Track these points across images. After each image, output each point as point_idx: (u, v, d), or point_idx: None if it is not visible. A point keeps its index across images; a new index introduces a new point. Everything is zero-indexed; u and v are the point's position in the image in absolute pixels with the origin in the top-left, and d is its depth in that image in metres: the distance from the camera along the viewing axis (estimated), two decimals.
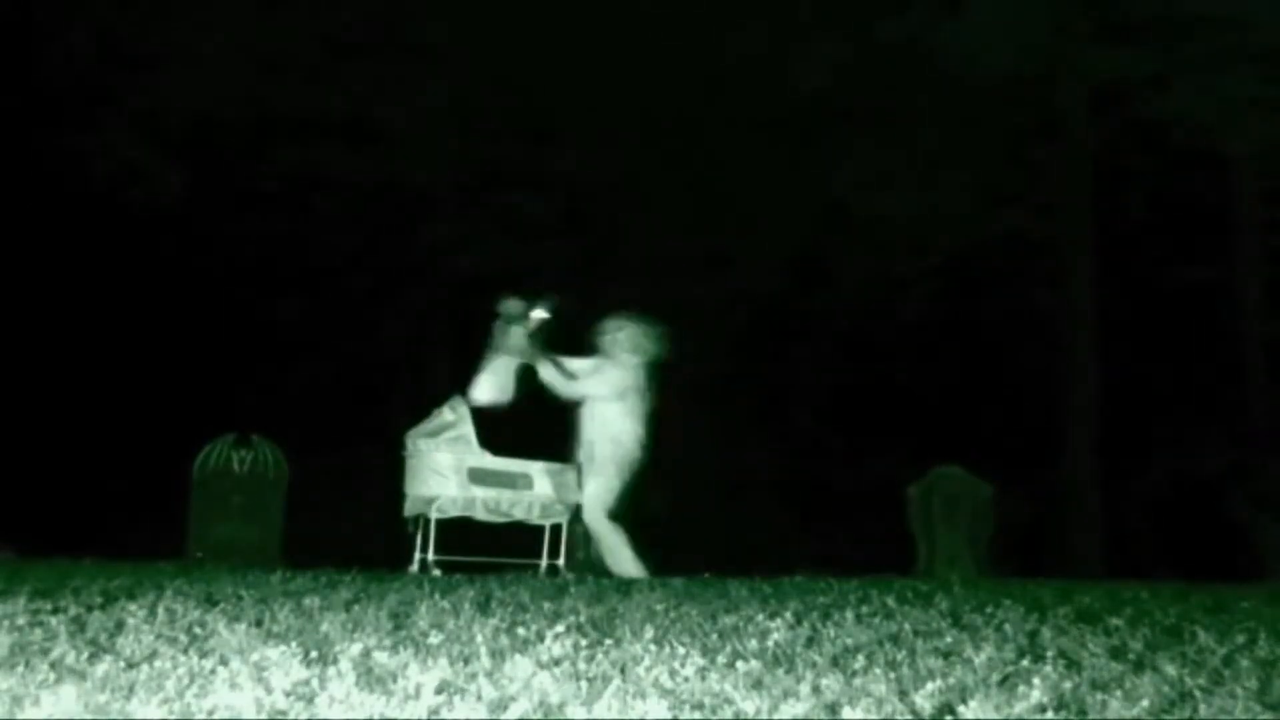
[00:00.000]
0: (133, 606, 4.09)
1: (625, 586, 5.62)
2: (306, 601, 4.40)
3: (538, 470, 8.10)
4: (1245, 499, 16.10)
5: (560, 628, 3.71)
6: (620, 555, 8.01)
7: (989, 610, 4.57)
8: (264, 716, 2.48)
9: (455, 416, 8.07)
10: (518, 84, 17.70)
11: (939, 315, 18.69)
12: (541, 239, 18.35)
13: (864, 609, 4.56)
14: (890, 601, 4.86)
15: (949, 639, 3.73)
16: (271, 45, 17.23)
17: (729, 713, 2.60)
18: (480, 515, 7.98)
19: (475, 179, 18.35)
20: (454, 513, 7.91)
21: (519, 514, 8.00)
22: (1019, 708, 2.70)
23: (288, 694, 2.63)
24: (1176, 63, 15.87)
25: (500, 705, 2.57)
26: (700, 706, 2.62)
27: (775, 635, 3.71)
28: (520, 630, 3.68)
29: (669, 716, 2.55)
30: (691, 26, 17.47)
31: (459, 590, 4.99)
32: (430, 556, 7.71)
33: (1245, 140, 16.17)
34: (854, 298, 18.75)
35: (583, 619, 4.03)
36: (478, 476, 7.97)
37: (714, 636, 3.70)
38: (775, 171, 18.07)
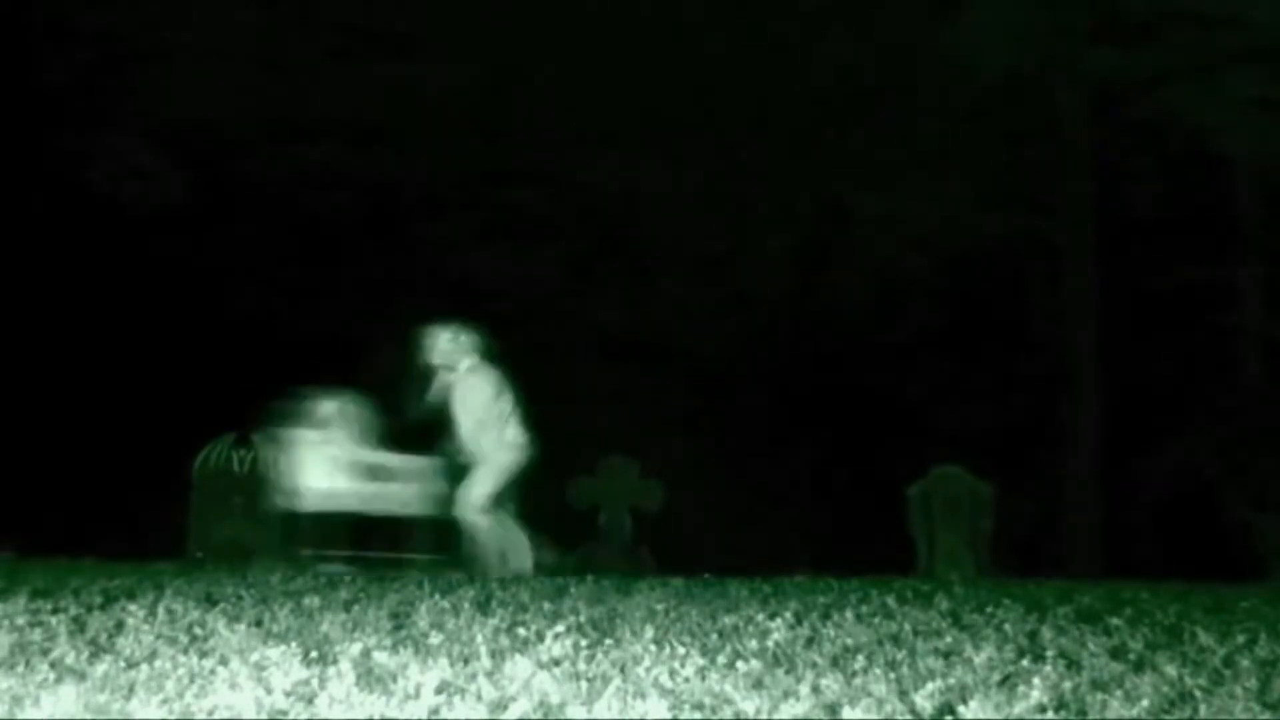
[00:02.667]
0: (133, 606, 4.09)
1: (625, 586, 5.63)
2: (306, 601, 4.40)
3: (409, 464, 8.11)
4: (1245, 499, 16.09)
5: (560, 628, 3.71)
6: (518, 549, 7.98)
7: (989, 610, 4.57)
8: (264, 716, 2.48)
9: (335, 410, 8.10)
10: (518, 84, 17.70)
11: (940, 315, 18.68)
12: (541, 239, 18.36)
13: (864, 609, 4.57)
14: (890, 601, 4.87)
15: (949, 639, 3.73)
16: (271, 45, 17.23)
17: (729, 713, 2.59)
18: (359, 507, 7.99)
19: (475, 179, 18.35)
20: (335, 506, 7.93)
21: (395, 507, 8.02)
22: (1019, 708, 2.70)
23: (288, 694, 2.63)
24: (1176, 63, 15.86)
25: (500, 705, 2.57)
26: (700, 706, 2.62)
27: (775, 635, 3.71)
28: (520, 630, 3.68)
29: (669, 716, 2.55)
30: (692, 27, 17.46)
31: (459, 590, 4.99)
32: (319, 550, 7.71)
33: (1245, 140, 16.16)
34: (855, 297, 18.74)
35: (583, 619, 4.03)
36: (357, 470, 8.00)
37: (714, 636, 3.70)
38: (776, 172, 18.07)
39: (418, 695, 2.64)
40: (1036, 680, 2.97)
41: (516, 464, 8.15)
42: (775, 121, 17.99)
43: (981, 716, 2.63)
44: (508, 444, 8.12)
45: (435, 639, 3.49)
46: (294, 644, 3.30)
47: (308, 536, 7.84)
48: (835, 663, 3.22)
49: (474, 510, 7.98)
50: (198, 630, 3.61)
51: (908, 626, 4.01)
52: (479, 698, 2.64)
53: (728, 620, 4.09)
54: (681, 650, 3.33)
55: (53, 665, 2.93)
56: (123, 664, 2.96)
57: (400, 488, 8.06)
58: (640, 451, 12.70)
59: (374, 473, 8.05)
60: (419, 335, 8.40)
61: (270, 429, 8.14)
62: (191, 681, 2.74)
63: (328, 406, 8.14)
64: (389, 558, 7.93)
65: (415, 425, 8.20)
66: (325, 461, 7.99)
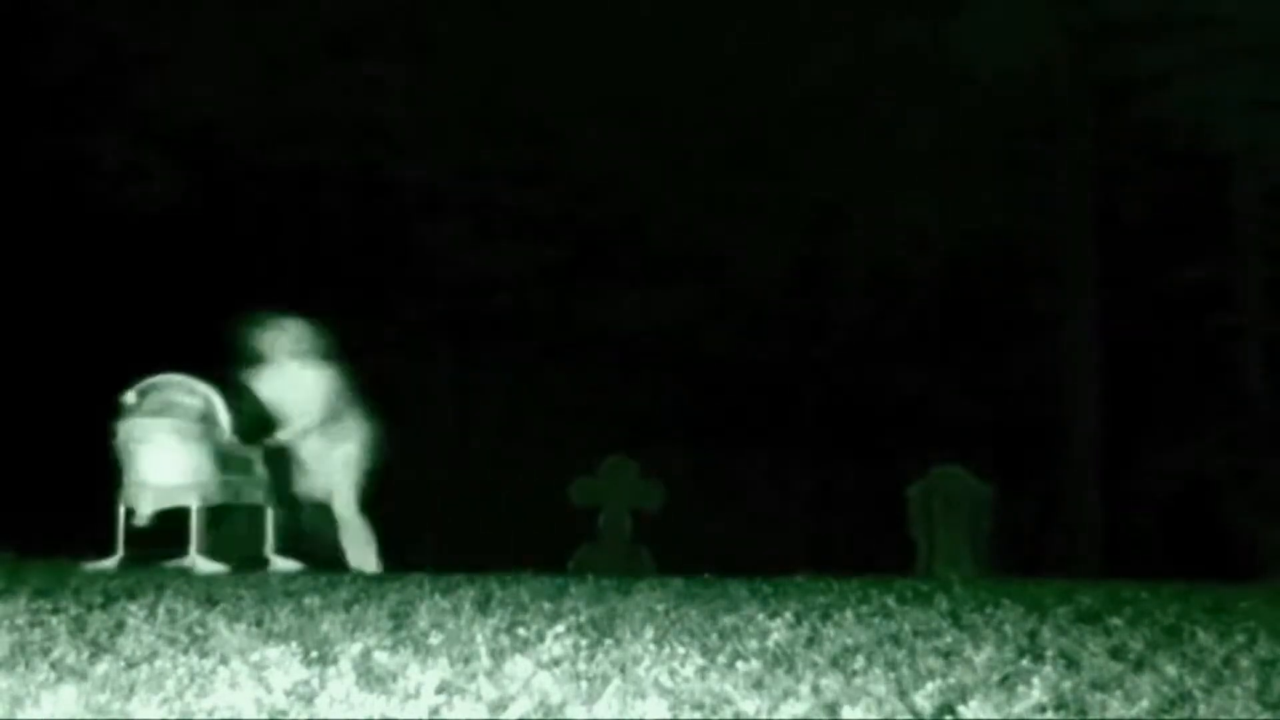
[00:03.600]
0: (133, 606, 4.10)
1: (625, 586, 5.62)
2: (306, 601, 4.40)
3: (257, 454, 7.87)
4: (1245, 500, 16.10)
5: (560, 628, 3.71)
6: (365, 550, 7.90)
7: (989, 610, 4.57)
8: (264, 716, 2.48)
9: (197, 398, 7.75)
10: (518, 84, 17.69)
11: (939, 314, 18.68)
12: (541, 239, 18.35)
13: (864, 609, 4.57)
14: (890, 601, 4.87)
15: (949, 639, 3.74)
16: (271, 45, 17.23)
17: (729, 713, 2.59)
18: (221, 500, 7.64)
19: (475, 179, 18.35)
20: (218, 499, 7.57)
21: (254, 498, 7.75)
22: (1019, 708, 2.71)
23: (288, 694, 2.63)
24: (1176, 62, 15.87)
25: (500, 705, 2.57)
26: (700, 706, 2.62)
27: (775, 635, 3.71)
28: (520, 630, 3.68)
29: (669, 716, 2.55)
30: (691, 26, 17.45)
31: (459, 590, 4.99)
32: (195, 551, 7.33)
33: (1245, 140, 16.16)
34: (854, 297, 18.75)
35: (583, 619, 4.03)
36: (221, 460, 7.67)
37: (714, 636, 3.70)
38: (775, 171, 18.07)
39: (418, 695, 2.64)
40: (1036, 680, 2.97)
41: (363, 458, 8.05)
42: (775, 121, 17.99)
43: (981, 716, 2.63)
44: (347, 439, 8.00)
45: (435, 639, 3.49)
46: (294, 644, 3.30)
47: (197, 537, 7.48)
48: (835, 663, 3.22)
49: (349, 508, 7.91)
50: (198, 630, 3.61)
51: (908, 626, 4.02)
52: (479, 698, 2.64)
53: (728, 620, 4.09)
54: (681, 650, 3.33)
55: (53, 665, 2.93)
56: (123, 664, 2.96)
57: (256, 479, 7.77)
58: (640, 451, 12.70)
59: (233, 463, 7.75)
60: (249, 327, 8.20)
61: (123, 418, 7.77)
62: (192, 681, 2.74)
63: (194, 389, 7.81)
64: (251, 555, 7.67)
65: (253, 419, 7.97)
66: (184, 451, 7.63)
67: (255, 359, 8.19)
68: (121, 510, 7.67)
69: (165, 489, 7.58)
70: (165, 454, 7.61)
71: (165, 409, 7.69)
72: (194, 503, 7.48)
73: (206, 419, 7.65)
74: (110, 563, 7.32)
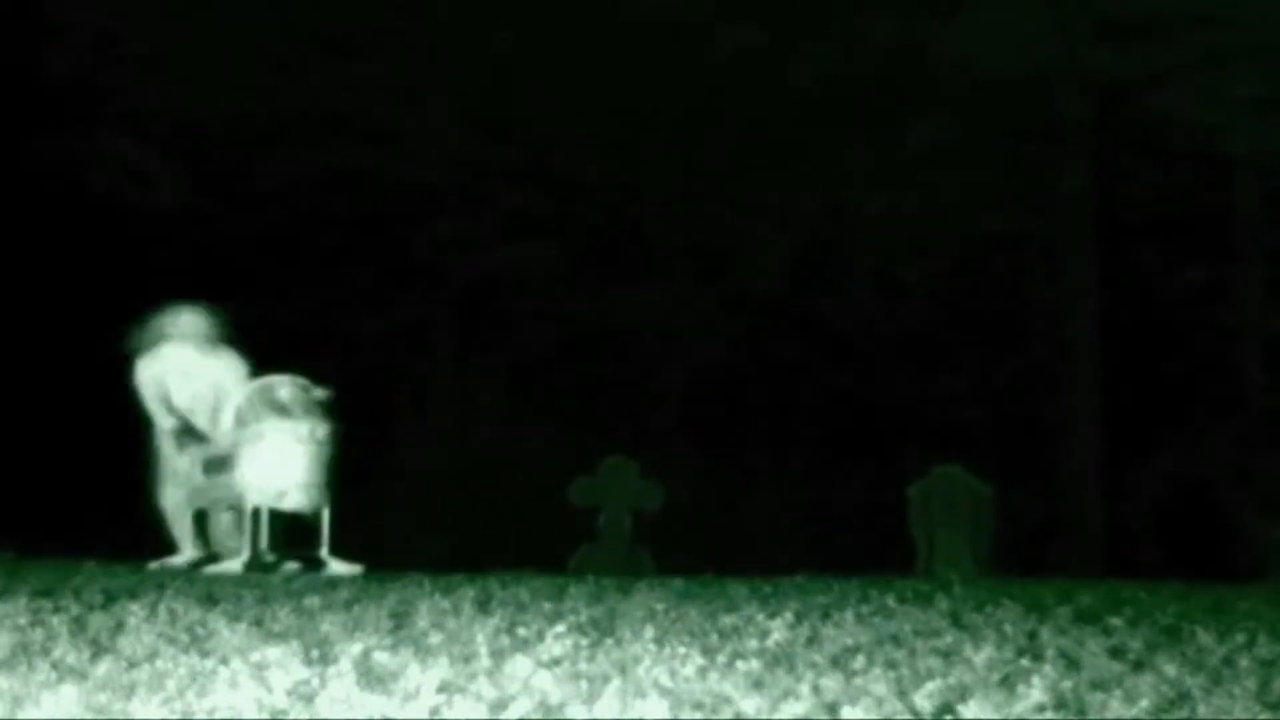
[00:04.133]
0: (133, 606, 4.10)
1: (625, 586, 5.63)
2: (306, 601, 4.40)
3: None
4: (1245, 499, 16.11)
5: (560, 628, 3.72)
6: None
7: (989, 610, 4.58)
8: (264, 716, 2.49)
9: (318, 393, 7.63)
10: (518, 84, 17.70)
11: (939, 314, 18.68)
12: (541, 239, 18.35)
13: (864, 609, 4.57)
14: (890, 601, 4.87)
15: (949, 639, 3.74)
16: (271, 45, 17.23)
17: (729, 713, 2.60)
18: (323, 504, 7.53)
19: (475, 179, 18.35)
20: (325, 504, 7.46)
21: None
22: (1019, 708, 2.71)
23: (288, 694, 2.64)
24: (1176, 63, 15.87)
25: (500, 705, 2.58)
26: (700, 706, 2.63)
27: (775, 635, 3.72)
28: (520, 630, 3.68)
29: (669, 717, 2.55)
30: (690, 26, 17.46)
31: (459, 590, 4.99)
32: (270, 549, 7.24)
33: (1245, 140, 16.16)
34: (854, 297, 18.75)
35: (583, 619, 4.03)
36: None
37: (714, 636, 3.70)
38: (775, 171, 18.07)
39: (418, 695, 2.64)
40: (1036, 680, 2.98)
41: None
42: (775, 121, 17.99)
43: (981, 716, 2.63)
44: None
45: (435, 639, 3.49)
46: (294, 644, 3.30)
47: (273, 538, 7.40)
48: (835, 663, 3.23)
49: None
50: (199, 630, 3.61)
51: (908, 626, 4.02)
52: (479, 697, 2.65)
53: (728, 620, 4.10)
54: (681, 650, 3.33)
55: (53, 665, 2.94)
56: (124, 664, 2.96)
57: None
58: (640, 451, 12.71)
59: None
60: (151, 317, 8.08)
61: (266, 416, 7.68)
62: (192, 681, 2.75)
63: (322, 395, 7.73)
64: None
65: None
66: (323, 454, 7.54)
67: (154, 346, 8.00)
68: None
69: (300, 489, 7.45)
70: (310, 455, 7.51)
71: (311, 409, 7.58)
72: (320, 506, 7.42)
73: (332, 423, 7.61)
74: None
